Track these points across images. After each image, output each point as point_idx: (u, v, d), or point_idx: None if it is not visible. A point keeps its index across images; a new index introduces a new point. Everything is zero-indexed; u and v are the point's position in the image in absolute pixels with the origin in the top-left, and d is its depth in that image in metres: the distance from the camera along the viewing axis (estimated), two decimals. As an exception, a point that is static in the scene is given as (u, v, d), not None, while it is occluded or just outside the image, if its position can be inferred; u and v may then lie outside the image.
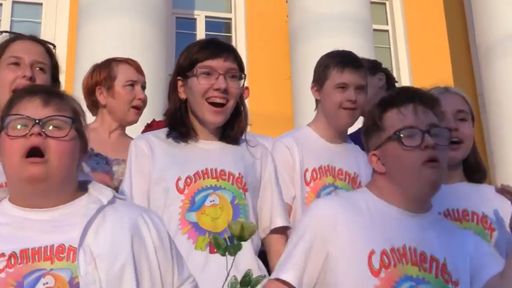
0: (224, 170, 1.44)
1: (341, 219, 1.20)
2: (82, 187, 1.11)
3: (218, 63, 1.39)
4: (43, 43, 1.65)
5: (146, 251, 1.07)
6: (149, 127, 2.03)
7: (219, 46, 1.45)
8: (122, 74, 1.82)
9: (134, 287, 1.01)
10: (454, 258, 1.20)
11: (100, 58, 1.97)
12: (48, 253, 0.99)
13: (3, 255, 0.98)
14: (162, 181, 1.42)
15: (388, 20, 8.00)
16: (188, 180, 1.42)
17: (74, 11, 6.24)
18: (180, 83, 1.47)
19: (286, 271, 1.18)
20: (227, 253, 0.99)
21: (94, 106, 1.86)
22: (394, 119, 1.25)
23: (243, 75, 1.44)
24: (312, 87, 1.84)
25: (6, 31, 1.97)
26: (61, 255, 0.99)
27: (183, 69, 1.47)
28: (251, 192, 1.46)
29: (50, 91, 1.13)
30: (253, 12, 7.27)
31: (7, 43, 1.60)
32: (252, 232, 1.01)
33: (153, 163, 1.44)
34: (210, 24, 7.34)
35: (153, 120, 2.06)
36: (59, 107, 1.06)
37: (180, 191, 1.41)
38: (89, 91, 1.85)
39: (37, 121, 1.01)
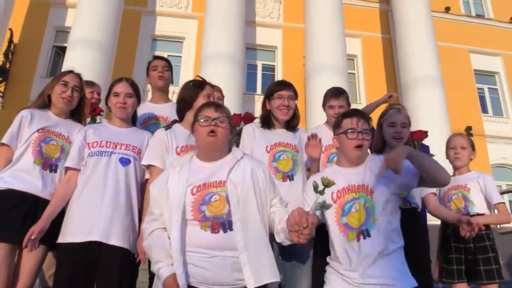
0: (288, 142, 2.21)
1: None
2: (229, 150, 1.68)
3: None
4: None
5: (258, 181, 1.60)
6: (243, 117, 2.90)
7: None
8: None
9: (254, 200, 1.55)
10: (372, 180, 1.71)
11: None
12: (215, 184, 1.54)
13: (194, 186, 1.52)
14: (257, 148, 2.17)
15: (355, 67, 11.40)
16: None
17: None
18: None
19: None
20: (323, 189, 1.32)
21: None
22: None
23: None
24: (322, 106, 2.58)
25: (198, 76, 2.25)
26: (220, 184, 1.54)
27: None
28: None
29: (217, 104, 1.69)
30: (287, 61, 10.68)
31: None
32: (333, 183, 1.33)
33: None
34: (264, 68, 10.84)
35: (247, 112, 2.94)
36: (221, 111, 1.65)
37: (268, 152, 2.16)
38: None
39: (213, 118, 1.60)
